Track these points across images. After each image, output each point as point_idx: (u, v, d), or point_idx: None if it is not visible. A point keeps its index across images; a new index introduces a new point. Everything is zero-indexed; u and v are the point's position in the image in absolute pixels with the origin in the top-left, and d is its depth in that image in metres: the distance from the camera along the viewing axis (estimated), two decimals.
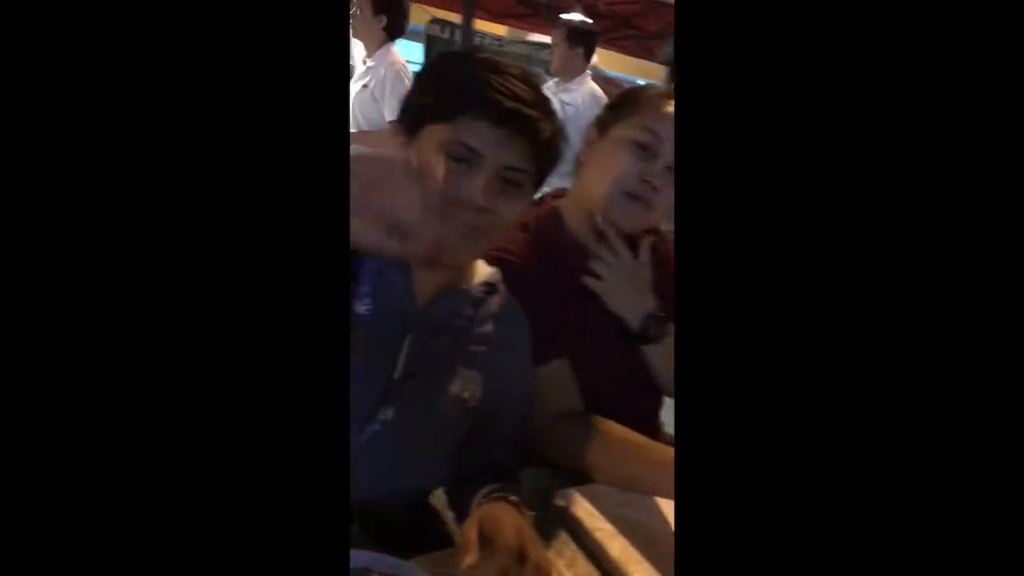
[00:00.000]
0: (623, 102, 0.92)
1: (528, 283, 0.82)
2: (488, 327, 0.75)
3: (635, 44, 6.39)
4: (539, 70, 5.58)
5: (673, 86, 0.94)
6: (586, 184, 0.91)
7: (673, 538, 0.35)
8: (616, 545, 0.68)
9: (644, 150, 0.85)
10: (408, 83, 1.89)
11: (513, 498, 0.65)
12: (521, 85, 0.65)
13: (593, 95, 2.60)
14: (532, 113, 0.65)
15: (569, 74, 2.67)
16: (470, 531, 0.56)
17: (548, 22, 5.63)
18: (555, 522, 0.72)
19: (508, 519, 0.59)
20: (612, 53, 7.33)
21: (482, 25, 5.64)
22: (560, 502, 0.74)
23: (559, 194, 1.00)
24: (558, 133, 0.69)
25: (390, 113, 2.06)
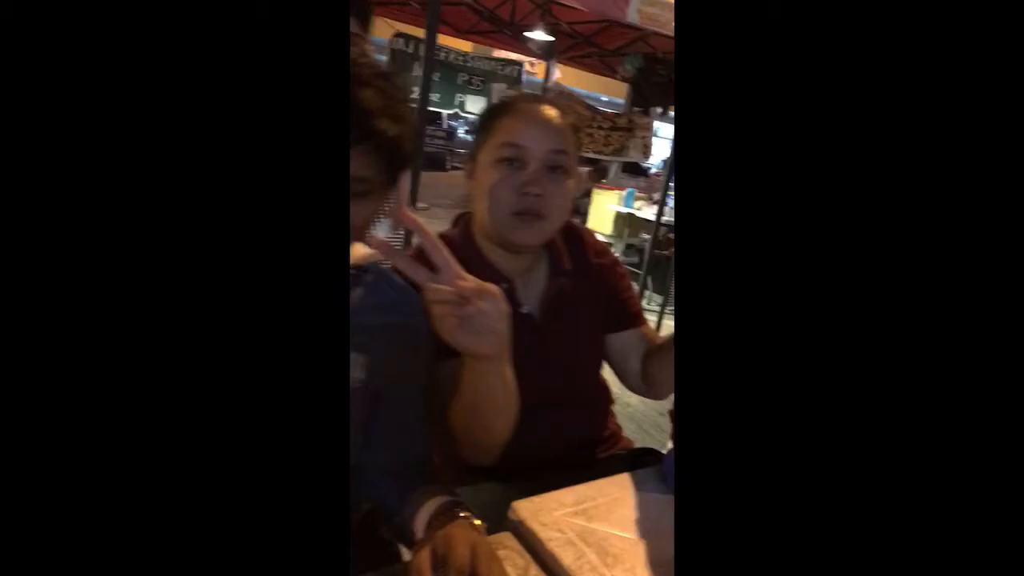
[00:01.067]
0: (480, 128, 0.92)
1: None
2: (372, 313, 0.73)
3: (597, 62, 6.52)
4: (503, 84, 5.64)
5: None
6: (479, 215, 0.92)
7: (627, 543, 0.35)
8: (569, 554, 0.67)
9: (511, 164, 0.86)
10: None
11: (463, 514, 0.63)
12: (371, 93, 0.60)
13: None
14: (376, 124, 0.60)
15: None
16: (422, 556, 0.55)
17: (512, 39, 5.70)
18: (508, 533, 0.71)
19: (461, 539, 0.57)
20: (575, 70, 7.46)
21: (447, 40, 5.67)
22: (512, 514, 0.73)
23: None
24: (405, 133, 0.64)
25: None
